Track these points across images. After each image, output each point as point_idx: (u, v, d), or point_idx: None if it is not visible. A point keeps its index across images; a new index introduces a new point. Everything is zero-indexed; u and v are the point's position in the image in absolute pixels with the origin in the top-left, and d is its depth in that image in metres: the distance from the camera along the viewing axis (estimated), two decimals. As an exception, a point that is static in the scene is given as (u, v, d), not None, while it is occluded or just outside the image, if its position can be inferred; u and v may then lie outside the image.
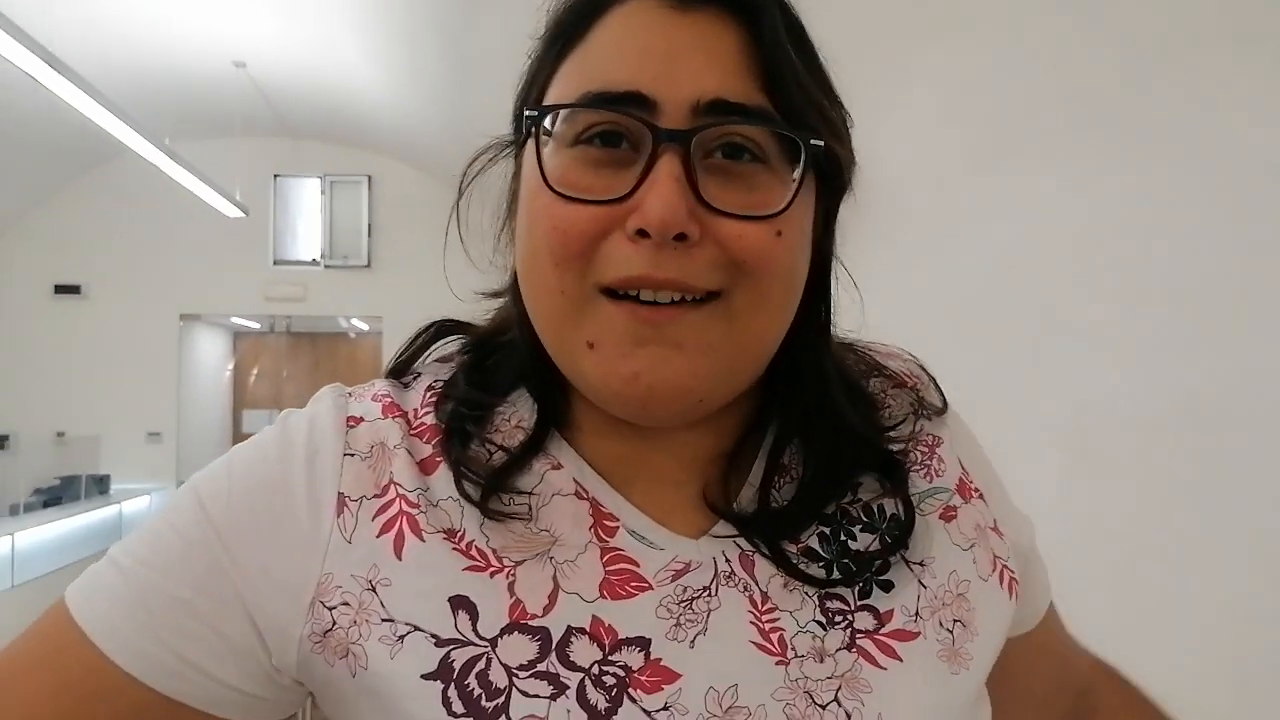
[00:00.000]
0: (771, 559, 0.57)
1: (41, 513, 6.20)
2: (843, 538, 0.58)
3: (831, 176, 0.57)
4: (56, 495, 6.64)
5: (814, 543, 0.58)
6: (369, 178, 7.83)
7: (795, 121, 0.52)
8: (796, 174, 0.52)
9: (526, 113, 0.54)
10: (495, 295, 0.66)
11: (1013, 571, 0.63)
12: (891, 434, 0.63)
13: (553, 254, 0.51)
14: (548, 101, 0.54)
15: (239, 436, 9.27)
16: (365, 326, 8.74)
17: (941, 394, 0.68)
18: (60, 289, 7.76)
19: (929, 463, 0.64)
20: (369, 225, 7.84)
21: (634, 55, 0.51)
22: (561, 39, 0.55)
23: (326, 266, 7.79)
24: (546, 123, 0.52)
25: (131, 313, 7.76)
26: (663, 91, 0.50)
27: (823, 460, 0.60)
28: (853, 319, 0.67)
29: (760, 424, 0.62)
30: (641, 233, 0.49)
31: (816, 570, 0.57)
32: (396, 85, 5.98)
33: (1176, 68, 1.23)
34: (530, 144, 0.53)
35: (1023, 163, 1.50)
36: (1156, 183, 1.28)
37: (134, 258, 7.74)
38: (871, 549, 0.58)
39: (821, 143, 0.52)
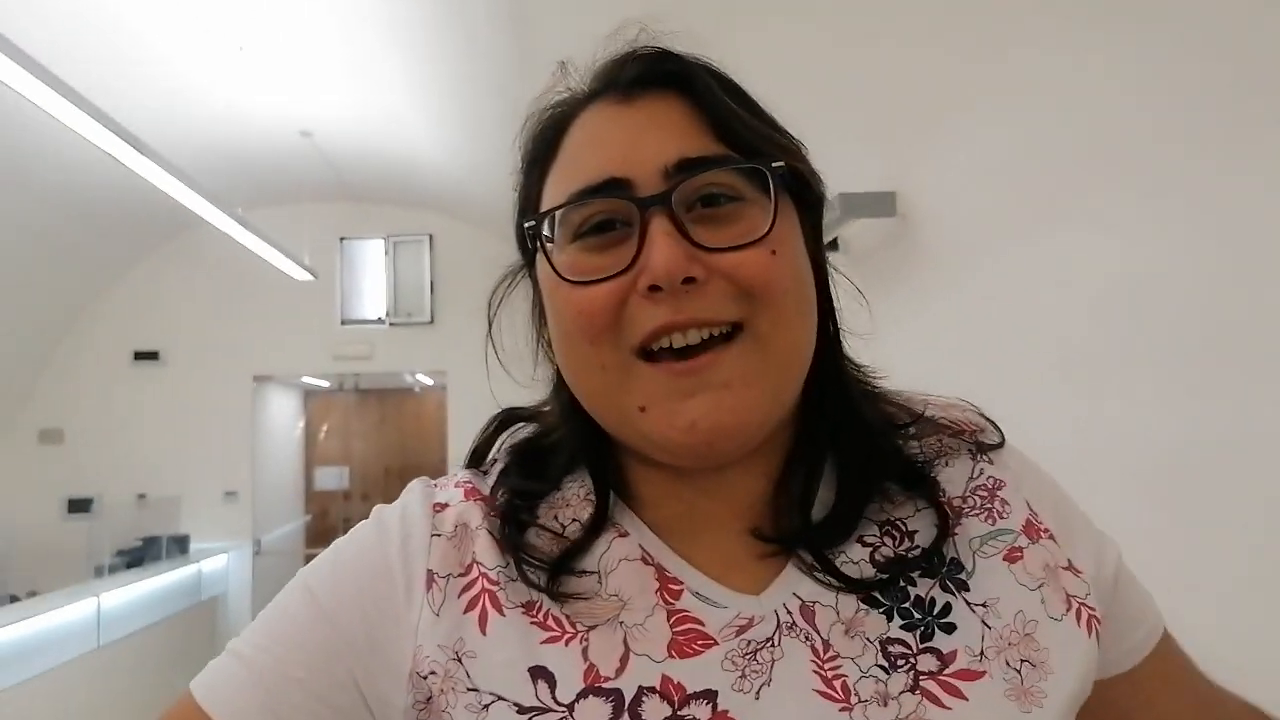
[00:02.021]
0: (824, 573, 0.59)
1: (125, 574, 6.34)
2: (902, 584, 0.59)
3: (804, 193, 0.63)
4: (139, 556, 6.79)
5: (875, 590, 0.59)
6: (430, 236, 8.00)
7: (753, 156, 0.58)
8: (771, 197, 0.57)
9: (526, 225, 0.61)
10: (541, 408, 0.72)
11: (1092, 609, 0.61)
12: (912, 431, 0.66)
13: (584, 333, 0.56)
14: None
15: (311, 493, 9.43)
16: (430, 381, 8.88)
17: (1000, 432, 0.68)
18: (140, 355, 8.01)
19: (990, 505, 0.64)
20: (431, 283, 8.00)
21: (599, 149, 0.58)
22: (539, 161, 0.63)
23: (391, 324, 7.95)
24: (545, 230, 0.59)
25: (207, 376, 7.97)
26: (632, 169, 0.56)
27: (852, 465, 0.63)
28: (875, 355, 0.69)
29: (798, 457, 0.64)
30: (654, 288, 0.54)
31: (877, 616, 0.58)
32: (455, 148, 6.13)
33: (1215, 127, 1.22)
34: (540, 254, 0.60)
35: (1078, 210, 1.49)
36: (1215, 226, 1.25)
37: (209, 322, 7.97)
38: (932, 594, 0.59)
39: (782, 163, 0.58)
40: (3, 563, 6.86)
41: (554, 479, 0.66)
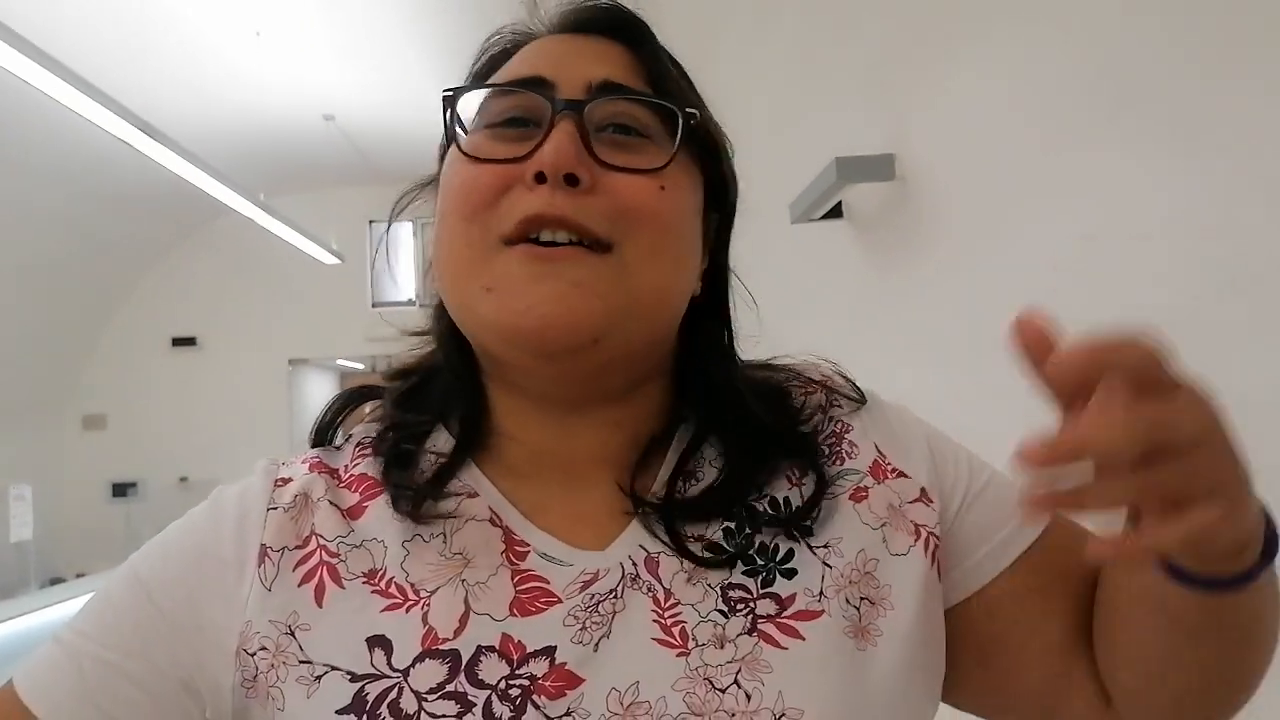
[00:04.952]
0: (671, 544, 0.58)
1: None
2: (748, 531, 0.60)
3: (719, 196, 0.65)
4: (179, 538, 6.91)
5: (719, 537, 0.59)
6: (458, 217, 8.00)
7: (674, 102, 0.60)
8: (676, 138, 0.59)
9: (443, 92, 0.60)
10: (421, 334, 0.71)
11: (939, 537, 0.61)
12: (801, 419, 0.65)
13: (460, 210, 0.57)
14: (463, 109, 0.61)
15: (349, 475, 9.57)
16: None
17: (858, 388, 0.69)
18: (177, 341, 8.18)
19: (839, 449, 0.64)
20: (461, 263, 8.00)
21: (535, 57, 0.61)
22: (480, 76, 0.65)
23: (422, 306, 7.98)
24: (461, 111, 0.60)
25: (244, 360, 8.14)
26: (560, 75, 0.58)
27: (739, 458, 0.63)
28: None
29: (674, 423, 0.65)
30: (539, 178, 0.54)
31: (718, 563, 0.58)
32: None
33: (1241, 56, 1.15)
34: (449, 128, 0.60)
35: (1087, 145, 1.43)
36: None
37: (243, 307, 8.13)
38: (776, 542, 0.59)
39: (695, 111, 0.60)
40: (50, 546, 7.04)
41: (430, 412, 0.65)
